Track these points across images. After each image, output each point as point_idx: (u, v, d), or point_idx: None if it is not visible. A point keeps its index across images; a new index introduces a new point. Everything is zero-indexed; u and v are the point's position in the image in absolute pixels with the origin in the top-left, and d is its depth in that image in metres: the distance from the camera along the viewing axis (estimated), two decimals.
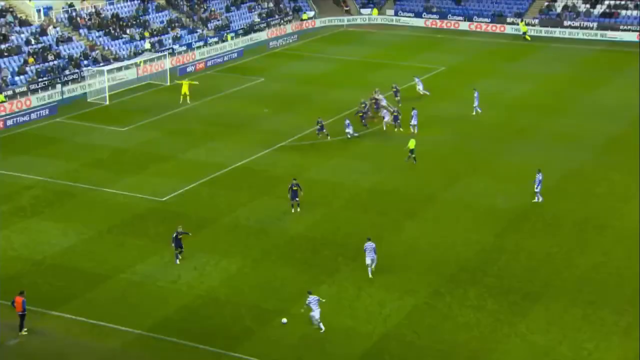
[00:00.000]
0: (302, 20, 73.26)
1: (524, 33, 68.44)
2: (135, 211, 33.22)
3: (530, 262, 29.36)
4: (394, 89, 48.17)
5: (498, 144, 41.68)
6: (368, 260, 28.07)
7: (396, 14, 75.07)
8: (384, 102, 44.80)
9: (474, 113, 46.16)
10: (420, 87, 49.46)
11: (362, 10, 76.01)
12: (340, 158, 39.66)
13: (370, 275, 28.00)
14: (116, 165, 38.44)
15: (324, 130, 41.77)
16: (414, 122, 42.68)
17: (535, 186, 34.01)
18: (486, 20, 71.55)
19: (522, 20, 69.51)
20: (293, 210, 33.12)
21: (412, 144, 38.66)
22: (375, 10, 75.67)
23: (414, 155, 38.32)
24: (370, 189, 35.81)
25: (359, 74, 56.55)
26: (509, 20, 70.75)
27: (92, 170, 37.78)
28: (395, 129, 42.49)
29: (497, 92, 51.24)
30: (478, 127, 44.33)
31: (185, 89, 48.72)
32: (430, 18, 73.37)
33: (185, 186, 35.88)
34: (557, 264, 29.18)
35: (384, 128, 42.79)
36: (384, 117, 43.13)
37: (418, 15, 74.20)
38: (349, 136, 41.10)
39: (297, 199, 32.98)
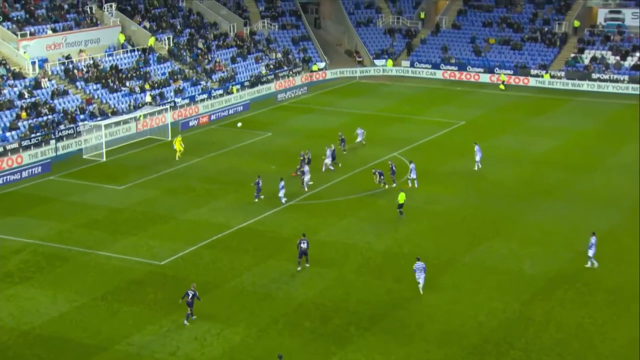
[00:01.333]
0: (312, 71, 74.59)
1: (503, 82, 70.45)
2: (131, 276, 33.28)
3: (560, 334, 28.97)
4: (340, 138, 49.34)
5: (522, 203, 41.71)
6: (421, 280, 31.60)
7: (412, 65, 76.34)
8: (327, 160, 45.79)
9: (475, 168, 46.89)
10: (359, 139, 50.03)
11: (376, 61, 77.37)
12: (353, 218, 39.79)
13: (421, 292, 31.50)
14: (112, 227, 38.71)
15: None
16: (412, 175, 43.39)
17: (589, 250, 33.64)
18: (508, 72, 72.59)
19: (389, 59, 73.63)
20: (299, 268, 33.04)
21: (401, 197, 39.21)
22: (389, 61, 77.00)
23: (400, 210, 39.02)
24: (385, 252, 35.80)
25: (372, 129, 57.17)
26: (532, 72, 71.77)
27: (86, 231, 38.04)
28: (384, 185, 43.03)
29: (521, 148, 51.55)
30: (500, 185, 44.48)
31: (178, 146, 49.37)
32: (448, 69, 74.50)
33: (186, 249, 36.00)
34: (590, 336, 28.76)
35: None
36: (303, 175, 42.78)
37: (435, 66, 75.41)
38: (283, 201, 40.89)
39: (306, 255, 33.00)
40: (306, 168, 43.52)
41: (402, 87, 71.77)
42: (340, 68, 76.15)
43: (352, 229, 38.48)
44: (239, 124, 46.93)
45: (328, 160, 45.67)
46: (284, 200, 41.19)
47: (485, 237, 37.39)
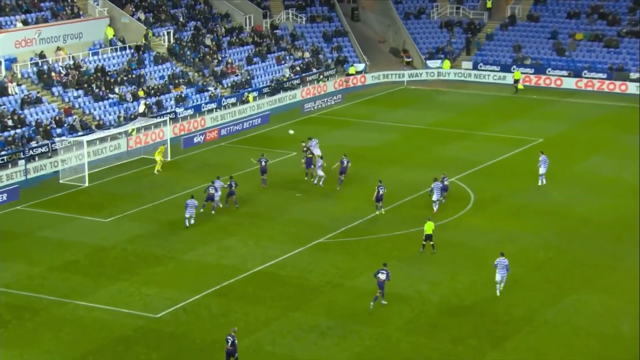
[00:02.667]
0: (348, 75, 74.96)
1: (516, 81, 70.71)
2: (118, 332, 33.31)
3: None
4: (304, 148, 50.68)
5: (618, 244, 41.23)
6: (498, 277, 35.62)
7: (475, 67, 76.37)
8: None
9: (539, 184, 47.81)
10: (316, 151, 50.79)
11: (429, 62, 77.56)
12: (401, 261, 39.64)
13: (497, 293, 35.36)
14: (95, 270, 38.86)
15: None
16: (435, 197, 44.22)
17: None
18: (601, 75, 72.27)
19: (446, 59, 74.33)
20: (372, 305, 33.61)
21: (429, 227, 39.79)
22: (447, 62, 77.11)
23: (432, 243, 39.84)
24: (441, 305, 35.57)
25: (424, 148, 57.02)
26: (632, 76, 71.27)
27: (62, 276, 38.18)
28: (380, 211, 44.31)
29: (615, 174, 51.11)
30: (589, 221, 44.09)
31: (158, 157, 50.59)
32: (522, 72, 74.33)
33: (188, 298, 36.02)
34: None
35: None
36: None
37: (505, 68, 75.36)
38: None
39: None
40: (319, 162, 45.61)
41: (463, 95, 71.66)
42: (384, 71, 76.42)
43: (398, 275, 38.22)
44: (291, 131, 47.26)
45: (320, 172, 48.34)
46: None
47: (571, 287, 36.96)
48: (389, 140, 59.00)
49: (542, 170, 48.86)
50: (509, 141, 57.83)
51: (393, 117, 64.72)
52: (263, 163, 48.86)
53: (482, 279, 37.72)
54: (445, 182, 45.89)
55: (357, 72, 75.43)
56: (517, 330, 33.52)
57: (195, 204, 43.51)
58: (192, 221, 43.34)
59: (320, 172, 48.53)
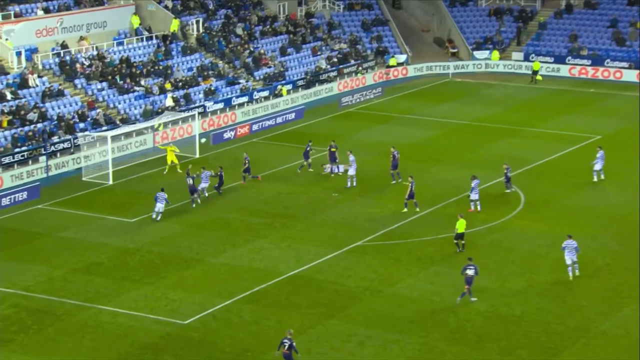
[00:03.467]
0: (389, 67, 74.88)
1: (535, 72, 70.87)
2: (144, 339, 33.56)
3: None
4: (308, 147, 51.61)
5: None
6: (568, 260, 37.34)
7: (526, 59, 75.89)
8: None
9: (595, 179, 48.17)
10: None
11: (476, 53, 77.22)
12: (444, 266, 39.54)
13: (570, 277, 37.06)
14: (119, 272, 39.23)
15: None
16: (474, 196, 44.68)
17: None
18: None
19: (495, 49, 74.34)
20: (463, 298, 32.95)
21: (461, 226, 40.20)
22: (495, 53, 76.73)
23: (463, 242, 40.44)
24: (488, 314, 35.41)
25: (470, 145, 56.78)
26: None
27: (84, 279, 38.58)
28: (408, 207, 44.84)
29: None
30: None
31: (171, 157, 50.72)
32: (578, 64, 73.81)
33: (218, 304, 36.21)
34: None
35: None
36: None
37: (560, 59, 74.82)
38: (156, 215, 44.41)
39: None
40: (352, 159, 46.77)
41: (512, 89, 71.25)
42: (427, 62, 76.23)
43: (442, 281, 38.17)
44: (203, 140, 47.56)
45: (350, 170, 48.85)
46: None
47: (629, 296, 36.62)
48: (432, 136, 58.82)
49: (597, 166, 48.70)
50: (563, 138, 57.40)
51: (437, 112, 64.50)
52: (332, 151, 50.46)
53: (533, 286, 37.50)
54: (508, 174, 46.97)
55: (399, 64, 75.30)
56: (572, 341, 33.28)
57: (165, 196, 44.53)
58: (159, 217, 44.35)
59: (352, 172, 48.71)
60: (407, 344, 33.15)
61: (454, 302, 36.15)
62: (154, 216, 44.41)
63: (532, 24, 79.44)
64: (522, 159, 53.33)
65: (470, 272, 35.78)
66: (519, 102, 66.83)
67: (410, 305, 35.96)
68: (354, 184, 48.67)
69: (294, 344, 30.79)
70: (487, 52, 76.85)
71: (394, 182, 47.80)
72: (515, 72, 74.96)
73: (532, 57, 74.06)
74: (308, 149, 51.42)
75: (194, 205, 46.23)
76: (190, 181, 46.20)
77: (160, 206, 44.41)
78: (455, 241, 40.72)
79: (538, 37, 77.36)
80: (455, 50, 78.77)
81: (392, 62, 74.97)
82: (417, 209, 44.99)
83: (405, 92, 70.31)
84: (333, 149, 51.04)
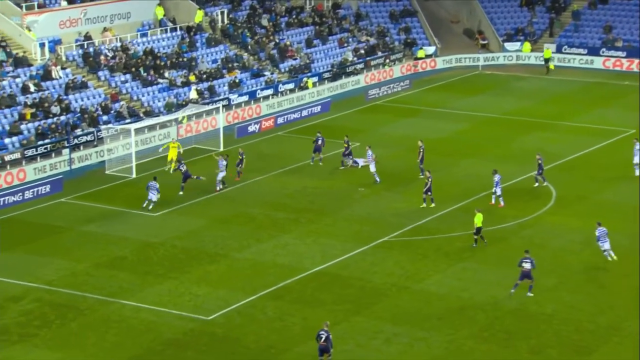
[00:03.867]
0: (417, 59, 74.74)
1: (547, 61, 71.19)
2: (167, 335, 33.75)
3: None
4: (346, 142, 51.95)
5: None
6: (605, 246, 38.46)
7: (559, 50, 75.49)
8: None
9: (637, 173, 48.19)
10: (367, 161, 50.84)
11: (507, 45, 76.90)
12: (472, 262, 39.48)
13: (609, 258, 38.33)
14: (142, 267, 39.48)
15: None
16: (497, 190, 44.94)
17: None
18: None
19: (526, 41, 73.92)
20: (513, 291, 33.01)
21: (478, 220, 40.27)
22: (527, 45, 76.37)
23: (480, 235, 40.61)
24: (518, 311, 35.32)
25: (500, 139, 56.59)
26: None
27: (107, 273, 38.87)
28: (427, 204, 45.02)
29: None
30: None
31: (173, 154, 50.41)
32: (612, 56, 73.29)
33: (242, 299, 36.35)
34: None
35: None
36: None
37: (593, 51, 74.35)
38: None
39: None
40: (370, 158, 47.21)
41: (545, 81, 70.92)
42: (457, 54, 76.01)
43: (471, 277, 38.13)
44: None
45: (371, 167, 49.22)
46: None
47: None
48: (461, 130, 58.68)
49: (636, 159, 48.49)
50: (597, 132, 57.08)
51: (466, 105, 64.33)
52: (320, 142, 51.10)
53: (564, 284, 37.37)
54: (542, 164, 47.21)
55: (427, 56, 75.13)
56: (604, 340, 33.14)
57: (157, 186, 45.02)
58: (151, 206, 44.95)
59: (372, 168, 48.80)
60: (435, 341, 33.14)
61: (482, 299, 36.09)
62: (144, 204, 45.05)
63: (565, 15, 78.98)
64: (554, 153, 53.08)
65: (527, 265, 35.80)
66: (551, 95, 66.52)
67: (438, 302, 35.94)
68: (377, 179, 48.52)
69: (331, 336, 30.96)
70: (519, 43, 76.54)
71: (422, 175, 47.95)
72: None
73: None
74: (319, 142, 51.62)
75: (181, 193, 46.84)
76: (183, 167, 46.94)
77: (152, 195, 44.96)
78: (475, 236, 40.68)
79: (575, 28, 76.81)
80: (485, 42, 78.48)
81: (420, 54, 74.80)
82: (433, 205, 44.88)
83: (433, 84, 70.15)
84: (345, 144, 51.35)
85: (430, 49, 75.79)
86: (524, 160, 51.48)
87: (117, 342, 33.25)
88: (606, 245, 38.40)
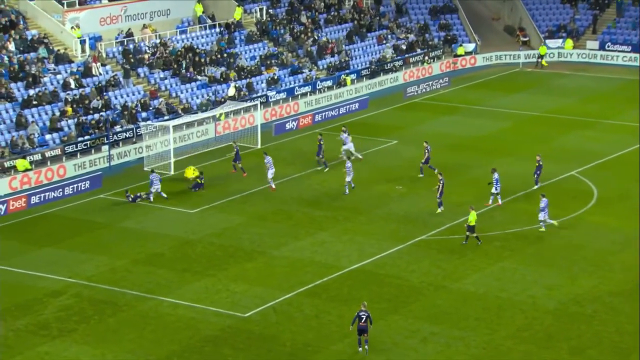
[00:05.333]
0: (456, 56, 74.52)
1: (541, 57, 71.73)
2: (204, 332, 34.06)
3: None
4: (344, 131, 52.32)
5: None
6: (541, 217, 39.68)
7: (602, 48, 74.89)
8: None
9: None
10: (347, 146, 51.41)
11: (549, 42, 76.44)
12: (511, 261, 39.42)
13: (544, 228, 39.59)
14: (180, 264, 39.85)
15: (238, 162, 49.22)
16: (495, 189, 44.60)
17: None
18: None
19: (568, 37, 74.02)
20: None
21: (472, 218, 40.15)
22: (569, 42, 75.84)
23: (475, 235, 40.41)
24: (558, 312, 35.25)
25: (540, 137, 56.31)
26: None
27: (145, 269, 39.29)
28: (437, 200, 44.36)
29: None
30: None
31: (189, 174, 49.09)
32: None
33: (279, 297, 36.60)
34: None
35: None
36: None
37: (638, 48, 73.54)
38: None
39: None
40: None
41: (587, 79, 70.36)
42: (497, 51, 75.70)
43: (510, 277, 38.07)
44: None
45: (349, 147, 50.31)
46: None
47: None
48: (501, 128, 58.47)
49: None
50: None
51: (506, 102, 64.08)
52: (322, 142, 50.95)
53: (605, 284, 37.17)
54: (540, 162, 46.77)
55: (467, 53, 74.89)
56: None
57: (159, 177, 46.04)
58: (151, 198, 45.84)
59: (348, 178, 47.01)
60: (472, 341, 33.14)
61: (521, 299, 35.97)
62: (151, 198, 46.06)
63: (609, 12, 78.26)
64: (596, 152, 52.78)
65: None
66: (594, 93, 66.04)
67: (476, 302, 35.93)
68: (347, 191, 47.05)
69: (370, 315, 31.64)
70: (561, 40, 76.03)
71: (421, 175, 48.18)
72: (590, 62, 74.07)
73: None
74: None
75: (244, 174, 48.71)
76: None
77: (157, 187, 45.96)
78: (467, 234, 40.66)
79: (619, 25, 76.15)
80: (526, 39, 78.07)
81: (460, 51, 74.59)
82: (440, 210, 44.43)
83: (473, 82, 69.94)
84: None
85: (470, 46, 75.54)
86: (564, 159, 51.23)
87: (155, 338, 33.62)
88: (542, 216, 40.90)
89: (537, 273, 38.31)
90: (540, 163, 46.98)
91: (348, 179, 46.93)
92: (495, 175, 44.69)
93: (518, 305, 35.64)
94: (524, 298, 36.22)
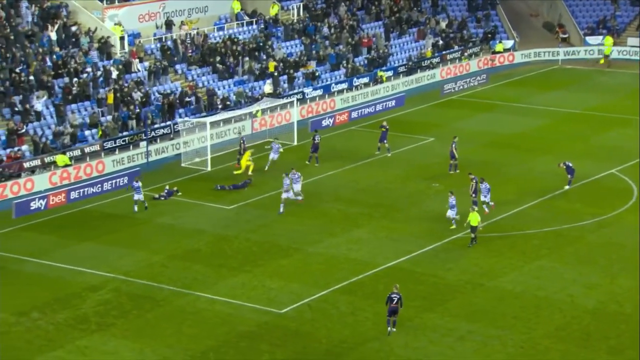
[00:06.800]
0: (494, 52, 74.21)
1: (606, 56, 70.41)
2: (241, 328, 34.32)
3: None
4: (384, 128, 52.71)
5: None
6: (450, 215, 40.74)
7: None
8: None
9: None
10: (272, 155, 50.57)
11: (589, 39, 75.90)
12: (549, 260, 39.32)
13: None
14: (217, 259, 40.17)
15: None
16: (484, 197, 43.53)
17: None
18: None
19: (609, 34, 72.20)
20: None
21: (473, 219, 39.92)
22: (609, 39, 75.22)
23: (473, 236, 40.30)
24: (597, 311, 35.13)
25: (580, 135, 56.01)
26: None
27: (183, 265, 39.65)
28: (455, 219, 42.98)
29: None
30: None
31: (245, 160, 49.91)
32: None
33: (315, 293, 36.77)
34: None
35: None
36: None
37: None
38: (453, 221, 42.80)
39: None
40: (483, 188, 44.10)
41: (627, 76, 69.79)
42: (536, 48, 75.30)
43: (548, 276, 37.97)
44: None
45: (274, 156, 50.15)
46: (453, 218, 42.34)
47: None
48: (539, 126, 58.23)
49: None
50: None
51: (545, 100, 63.77)
52: (317, 140, 51.26)
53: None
54: (569, 164, 46.45)
55: (505, 50, 74.58)
56: None
57: (139, 184, 44.86)
58: (138, 207, 44.74)
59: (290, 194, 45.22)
60: (509, 340, 33.11)
61: (559, 298, 35.87)
62: (135, 208, 44.77)
63: None
64: (636, 150, 52.37)
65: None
66: (634, 90, 65.43)
67: (513, 300, 35.89)
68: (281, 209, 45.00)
69: (402, 297, 32.95)
70: (601, 37, 75.46)
71: (451, 172, 48.97)
72: (631, 59, 73.41)
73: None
74: (316, 140, 51.51)
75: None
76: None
77: (139, 196, 44.78)
78: (472, 235, 40.34)
79: None
80: (566, 36, 77.59)
81: (498, 47, 74.31)
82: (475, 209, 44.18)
83: (511, 79, 69.66)
84: (383, 129, 52.34)
85: (509, 43, 75.22)
86: (604, 157, 50.92)
87: (192, 333, 33.94)
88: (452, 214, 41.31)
89: (576, 272, 38.18)
90: (571, 166, 46.64)
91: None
92: (484, 185, 43.53)
93: (556, 304, 35.56)
94: (562, 297, 36.11)
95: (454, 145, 49.36)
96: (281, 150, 50.34)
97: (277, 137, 51.22)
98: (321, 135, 53.12)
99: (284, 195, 44.63)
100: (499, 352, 32.40)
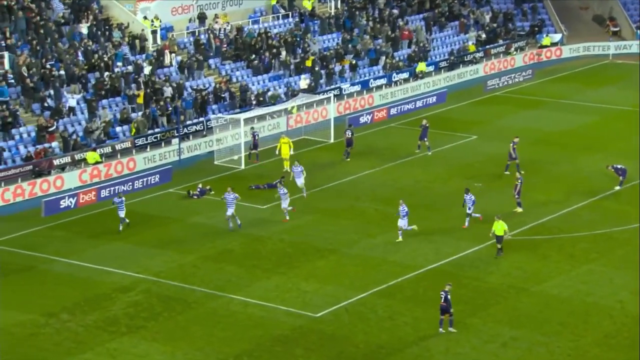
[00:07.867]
0: (541, 47, 73.68)
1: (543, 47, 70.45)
2: (275, 331, 34.30)
3: None
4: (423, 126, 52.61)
5: None
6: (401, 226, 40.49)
7: None
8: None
9: None
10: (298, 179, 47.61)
11: None
12: (599, 264, 38.98)
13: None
14: (250, 261, 40.17)
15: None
16: (468, 209, 42.64)
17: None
18: None
19: None
20: None
21: (499, 228, 39.20)
22: None
23: (499, 246, 39.62)
24: None
25: (630, 133, 55.42)
26: None
27: (215, 266, 39.71)
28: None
29: None
30: None
31: (285, 152, 49.79)
32: None
33: (352, 297, 36.63)
34: None
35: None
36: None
37: None
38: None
39: None
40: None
41: None
42: (585, 43, 74.68)
43: (597, 280, 37.64)
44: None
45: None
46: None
47: None
48: (588, 123, 57.74)
49: None
50: None
51: (594, 96, 63.21)
52: (348, 134, 51.66)
53: None
54: (618, 166, 46.09)
55: (552, 44, 74.02)
56: None
57: (123, 200, 43.11)
58: (123, 222, 43.05)
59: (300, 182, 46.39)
60: (556, 347, 32.83)
61: (608, 304, 35.49)
62: (120, 228, 43.16)
63: None
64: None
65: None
66: None
67: (560, 306, 35.58)
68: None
69: (449, 296, 33.39)
70: None
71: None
72: None
73: None
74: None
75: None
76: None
77: (122, 213, 42.91)
78: (498, 245, 39.66)
79: None
80: (616, 29, 76.86)
81: (545, 41, 73.74)
82: (520, 209, 44.12)
83: (558, 74, 69.13)
84: (424, 127, 52.35)
85: (556, 37, 74.62)
86: None
87: (225, 337, 33.99)
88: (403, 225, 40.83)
89: (627, 277, 37.78)
90: (621, 167, 46.39)
91: (284, 205, 44.10)
92: (469, 196, 42.67)
93: (606, 310, 35.21)
94: (612, 303, 35.75)
95: (512, 145, 48.75)
96: (304, 173, 46.89)
97: (298, 160, 47.93)
98: (356, 132, 53.01)
99: (283, 205, 44.12)
100: (549, 357, 32.16)
